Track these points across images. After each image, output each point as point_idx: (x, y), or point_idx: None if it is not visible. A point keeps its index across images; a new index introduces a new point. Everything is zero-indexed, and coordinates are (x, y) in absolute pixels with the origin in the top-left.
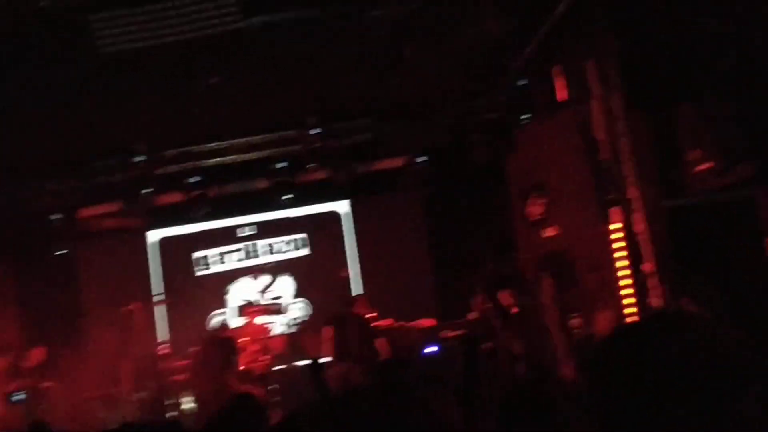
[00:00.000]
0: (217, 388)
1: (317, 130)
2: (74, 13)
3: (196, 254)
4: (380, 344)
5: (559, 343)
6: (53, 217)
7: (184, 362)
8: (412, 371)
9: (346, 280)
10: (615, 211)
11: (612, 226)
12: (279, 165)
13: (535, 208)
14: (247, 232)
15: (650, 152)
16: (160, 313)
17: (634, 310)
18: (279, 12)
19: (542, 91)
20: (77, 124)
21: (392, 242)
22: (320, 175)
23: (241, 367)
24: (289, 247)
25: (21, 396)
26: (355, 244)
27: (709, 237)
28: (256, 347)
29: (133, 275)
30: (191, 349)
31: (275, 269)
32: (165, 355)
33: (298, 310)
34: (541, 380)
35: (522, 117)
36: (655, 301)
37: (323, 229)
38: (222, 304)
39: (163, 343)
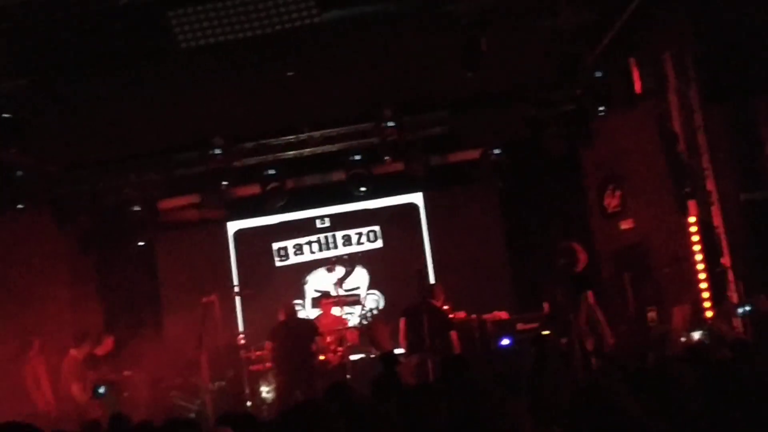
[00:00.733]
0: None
1: (393, 123)
2: (154, 10)
3: (276, 245)
4: (453, 337)
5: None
6: (134, 208)
7: (262, 352)
8: (485, 367)
9: (423, 272)
10: (691, 204)
11: (689, 219)
12: (355, 157)
13: (612, 200)
14: (322, 224)
15: (727, 145)
16: (239, 304)
17: (709, 304)
18: (355, 6)
19: (619, 83)
20: (157, 118)
21: (466, 235)
22: (396, 167)
23: (320, 358)
24: (364, 239)
25: (103, 390)
26: (427, 237)
27: None
28: (331, 338)
29: (211, 266)
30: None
31: (350, 261)
32: (243, 344)
33: (372, 301)
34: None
35: (599, 109)
36: (731, 296)
37: (396, 222)
38: (300, 294)
39: (241, 333)
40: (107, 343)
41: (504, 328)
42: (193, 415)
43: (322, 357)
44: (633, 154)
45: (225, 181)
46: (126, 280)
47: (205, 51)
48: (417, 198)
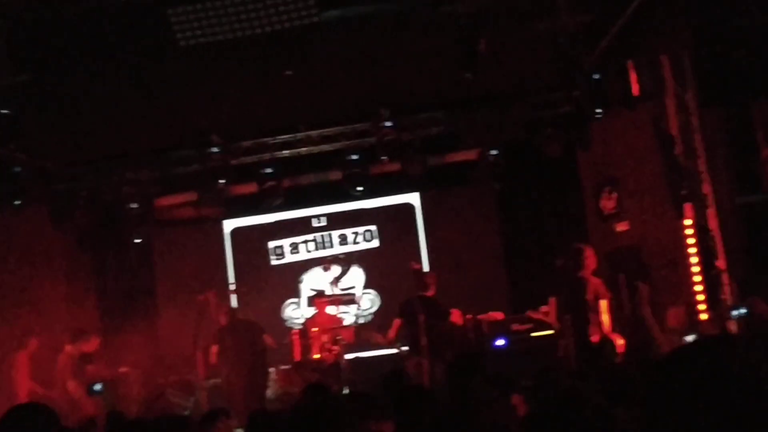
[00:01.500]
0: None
1: (390, 123)
2: (154, 8)
3: (272, 243)
4: (456, 315)
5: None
6: (131, 206)
7: None
8: (480, 369)
9: (420, 272)
10: (687, 207)
11: (685, 222)
12: (352, 157)
13: (608, 203)
14: (319, 223)
15: (724, 148)
16: (235, 302)
17: (704, 306)
18: (354, 6)
19: (616, 85)
20: (155, 116)
21: (462, 235)
22: (393, 167)
23: (315, 356)
24: (360, 239)
25: (99, 387)
26: (423, 237)
27: None
28: (326, 337)
29: (208, 264)
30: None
31: (346, 260)
32: None
33: (367, 301)
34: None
35: (596, 111)
36: (726, 298)
37: (393, 222)
38: (295, 293)
39: None
40: (93, 342)
41: (499, 329)
42: (187, 413)
43: (317, 356)
44: (629, 156)
45: (222, 179)
46: (123, 277)
47: (204, 49)
48: (414, 198)
